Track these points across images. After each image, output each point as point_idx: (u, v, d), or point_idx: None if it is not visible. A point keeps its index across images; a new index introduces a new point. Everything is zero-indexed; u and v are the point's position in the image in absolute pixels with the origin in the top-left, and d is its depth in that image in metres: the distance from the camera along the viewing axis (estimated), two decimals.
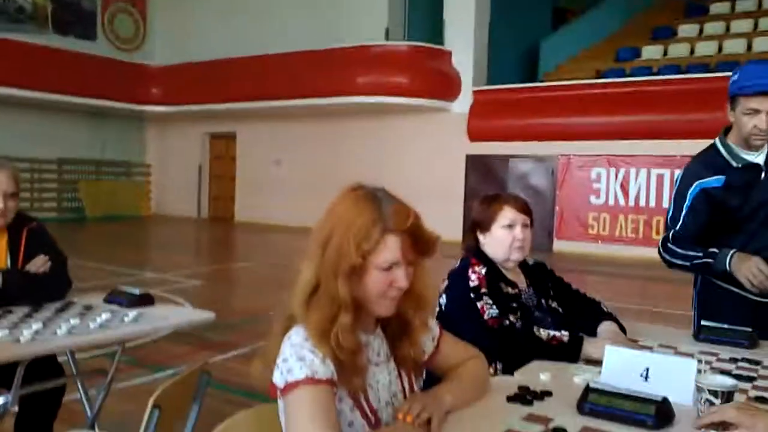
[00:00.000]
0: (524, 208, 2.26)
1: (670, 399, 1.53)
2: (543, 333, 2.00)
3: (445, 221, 12.60)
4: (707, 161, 2.50)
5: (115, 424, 3.11)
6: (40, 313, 2.36)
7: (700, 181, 2.46)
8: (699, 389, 1.48)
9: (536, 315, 2.20)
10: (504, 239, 2.19)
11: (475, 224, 2.26)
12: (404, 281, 1.29)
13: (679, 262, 2.48)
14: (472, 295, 2.09)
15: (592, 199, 11.80)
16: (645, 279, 9.47)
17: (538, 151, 12.20)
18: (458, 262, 2.24)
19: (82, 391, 2.61)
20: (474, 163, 12.96)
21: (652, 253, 10.83)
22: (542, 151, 12.16)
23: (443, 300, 2.19)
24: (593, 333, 2.19)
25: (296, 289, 1.31)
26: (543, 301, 2.29)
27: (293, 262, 1.33)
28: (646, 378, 1.67)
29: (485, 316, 2.03)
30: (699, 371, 1.61)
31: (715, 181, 2.44)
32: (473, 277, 2.13)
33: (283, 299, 1.33)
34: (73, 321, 2.24)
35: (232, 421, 1.47)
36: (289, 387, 1.19)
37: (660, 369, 1.66)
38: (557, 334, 2.00)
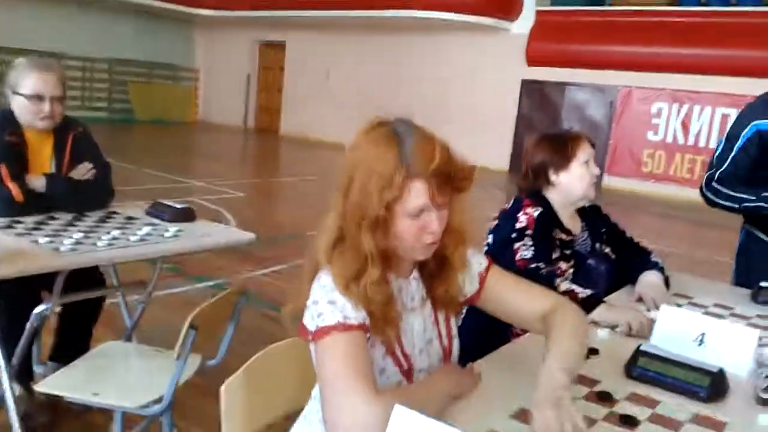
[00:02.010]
0: (593, 144, 2.19)
1: (725, 369, 1.44)
2: (563, 285, 1.91)
3: (494, 149, 12.45)
4: None
5: (153, 332, 3.18)
6: (82, 222, 2.36)
7: (758, 122, 2.35)
8: (760, 364, 1.37)
9: (589, 263, 2.11)
10: (584, 176, 2.10)
11: (545, 164, 2.10)
12: (437, 225, 1.18)
13: (726, 203, 2.38)
14: (514, 235, 2.01)
15: (650, 135, 11.31)
16: (696, 223, 9.16)
17: (598, 80, 11.65)
18: (510, 202, 2.13)
19: (123, 302, 2.65)
20: (529, 89, 12.49)
21: None
22: (602, 81, 11.61)
23: (490, 239, 2.10)
24: (635, 281, 2.11)
25: (320, 238, 1.22)
26: (597, 245, 2.20)
27: (335, 180, 1.22)
28: (701, 343, 1.57)
29: (516, 257, 1.95)
30: (760, 344, 1.51)
31: None
32: (523, 218, 2.04)
33: (310, 246, 1.25)
34: (114, 233, 2.24)
35: (269, 352, 1.43)
36: (321, 332, 1.14)
37: (717, 336, 1.56)
38: (576, 289, 1.90)
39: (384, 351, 1.23)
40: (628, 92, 11.47)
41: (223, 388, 1.30)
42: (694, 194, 11.81)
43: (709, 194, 2.42)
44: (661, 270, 2.14)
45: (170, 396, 1.90)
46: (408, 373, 1.27)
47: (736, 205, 2.35)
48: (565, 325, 1.28)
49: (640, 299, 2.03)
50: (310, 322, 1.16)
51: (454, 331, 1.39)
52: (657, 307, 1.95)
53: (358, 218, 1.15)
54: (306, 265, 1.25)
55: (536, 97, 12.44)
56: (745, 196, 2.32)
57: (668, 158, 11.17)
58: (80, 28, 14.70)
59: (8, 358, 2.08)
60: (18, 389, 2.33)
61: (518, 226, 2.02)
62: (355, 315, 1.15)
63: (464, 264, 1.32)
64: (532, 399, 1.13)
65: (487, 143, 12.66)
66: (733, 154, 2.38)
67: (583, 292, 1.88)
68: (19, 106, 2.38)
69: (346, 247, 1.18)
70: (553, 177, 2.10)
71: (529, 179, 2.13)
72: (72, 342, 2.53)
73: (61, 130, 2.51)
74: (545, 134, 2.17)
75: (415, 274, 1.31)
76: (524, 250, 1.97)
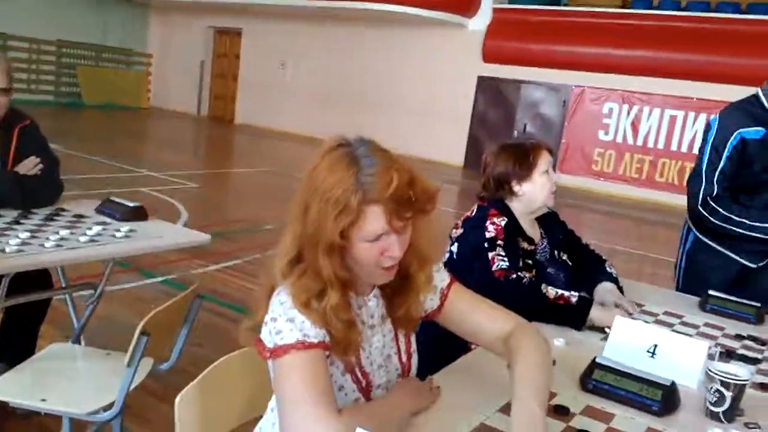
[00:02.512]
0: (551, 151, 2.21)
1: (676, 381, 1.48)
2: (551, 291, 1.94)
3: (449, 143, 12.54)
4: (749, 110, 2.44)
5: (103, 330, 3.10)
6: (28, 220, 2.27)
7: (741, 130, 2.40)
8: (710, 377, 1.41)
9: (549, 272, 2.14)
10: (545, 185, 2.11)
11: (508, 175, 2.10)
12: (398, 249, 1.16)
13: (723, 224, 2.44)
14: (486, 245, 2.01)
15: (601, 134, 11.58)
16: (643, 221, 9.45)
17: (553, 79, 11.84)
18: (474, 210, 2.14)
19: (70, 303, 2.56)
20: (485, 86, 12.61)
21: (654, 195, 10.82)
22: (557, 80, 11.81)
23: (454, 248, 2.11)
24: (591, 291, 2.15)
25: (278, 258, 1.20)
26: (556, 253, 2.23)
27: (293, 172, 1.18)
28: (653, 354, 1.62)
29: (493, 267, 1.96)
30: (710, 355, 1.55)
31: (755, 132, 2.40)
32: (491, 227, 2.03)
33: (267, 264, 1.22)
34: (63, 232, 2.16)
35: (224, 361, 1.41)
36: (279, 351, 1.11)
37: (669, 347, 1.60)
38: (566, 293, 1.94)
39: (343, 368, 1.22)
40: (581, 92, 11.70)
41: (177, 399, 1.27)
42: (641, 193, 12.17)
43: (705, 213, 2.46)
44: (616, 280, 2.19)
45: (121, 403, 1.85)
46: (366, 390, 1.26)
47: (732, 228, 2.41)
48: (530, 352, 1.27)
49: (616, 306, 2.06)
50: (268, 338, 1.14)
51: (414, 346, 1.38)
52: (632, 312, 2.02)
53: (315, 242, 1.13)
54: (263, 281, 1.22)
55: (492, 94, 12.57)
56: (740, 220, 2.39)
57: (618, 157, 11.46)
58: (27, 7, 14.10)
59: None
60: None
61: (488, 235, 2.02)
62: (315, 333, 1.13)
63: (428, 284, 1.30)
64: None
65: (442, 138, 12.75)
66: (721, 165, 2.42)
67: (574, 296, 1.92)
68: None
69: (304, 268, 1.16)
70: (516, 188, 2.11)
71: (491, 189, 2.14)
72: (16, 342, 2.44)
73: (7, 124, 2.40)
74: (505, 144, 2.17)
75: (376, 292, 1.29)
76: (499, 261, 1.97)
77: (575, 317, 1.90)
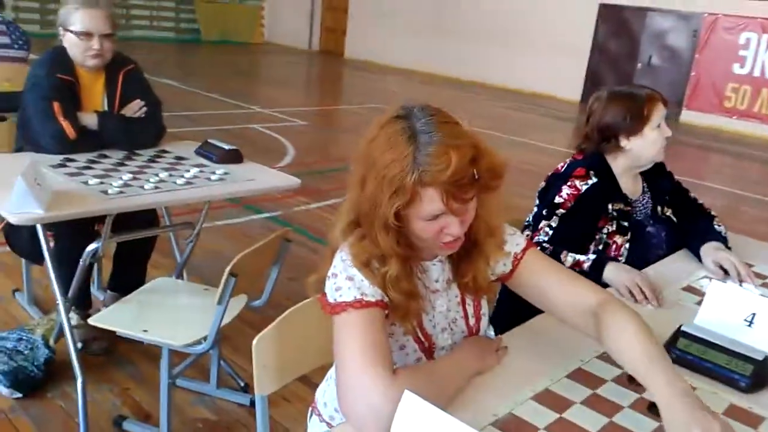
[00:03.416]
0: (666, 103, 1.99)
1: None
2: (569, 258, 1.81)
3: (566, 77, 11.92)
4: None
5: (208, 264, 3.29)
6: (132, 161, 2.41)
7: None
8: None
9: (648, 231, 2.00)
10: (657, 141, 1.94)
11: (617, 128, 1.92)
12: (458, 228, 1.11)
13: None
14: (544, 212, 1.90)
15: (735, 67, 10.54)
16: None
17: (681, 6, 10.84)
18: (565, 165, 2.01)
19: (173, 241, 2.72)
20: (607, 15, 11.76)
21: None
22: (687, 7, 10.80)
23: (537, 201, 2.02)
24: (696, 252, 1.99)
25: (338, 222, 1.18)
26: (659, 209, 2.07)
27: (352, 168, 1.17)
28: (750, 324, 1.48)
29: (534, 239, 1.86)
30: None
31: None
32: (565, 192, 1.90)
33: (330, 227, 1.21)
34: (162, 174, 2.27)
35: (297, 310, 1.44)
36: (338, 308, 1.12)
37: None
38: (581, 258, 1.81)
39: (404, 330, 1.21)
40: (714, 20, 10.62)
41: (255, 341, 1.32)
42: None
43: None
44: (725, 240, 2.01)
45: (213, 338, 1.96)
46: (429, 350, 1.25)
47: None
48: (638, 326, 1.15)
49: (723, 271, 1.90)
50: (329, 293, 1.15)
51: (484, 309, 1.34)
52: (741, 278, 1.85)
53: (372, 217, 1.10)
54: (330, 237, 1.22)
55: (614, 23, 11.72)
56: None
57: (753, 94, 10.41)
58: None
59: (65, 291, 2.18)
60: (76, 318, 2.46)
61: (557, 200, 1.90)
62: (373, 292, 1.12)
63: (497, 250, 1.24)
64: (671, 422, 1.00)
65: (558, 71, 12.14)
66: None
67: (587, 260, 1.80)
68: (70, 44, 2.40)
69: (362, 233, 1.14)
70: (623, 142, 1.94)
71: (594, 141, 1.97)
72: (128, 273, 2.64)
73: (112, 68, 2.53)
74: (616, 92, 1.97)
75: (441, 256, 1.26)
76: (542, 233, 1.88)
77: (592, 279, 1.77)
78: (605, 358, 1.31)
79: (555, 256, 1.81)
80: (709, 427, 0.95)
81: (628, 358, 1.13)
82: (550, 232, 1.89)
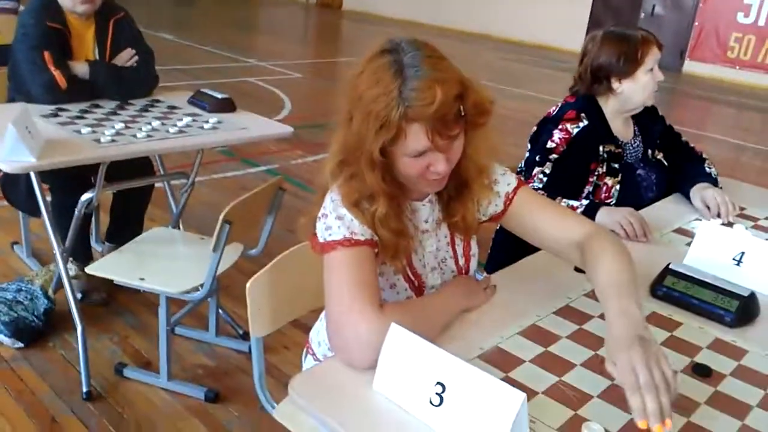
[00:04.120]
0: (661, 46, 1.97)
1: (761, 292, 1.37)
2: (563, 204, 1.81)
3: (568, 26, 11.72)
4: None
5: (205, 216, 3.30)
6: (124, 111, 2.39)
7: None
8: None
9: (638, 174, 1.99)
10: (648, 84, 1.93)
11: (609, 69, 1.91)
12: (443, 165, 1.10)
13: None
14: (537, 158, 1.89)
15: (740, 17, 10.35)
16: None
17: None
18: (556, 108, 2.00)
19: (168, 190, 2.72)
20: None
21: None
22: None
23: (529, 146, 2.01)
24: (687, 194, 2.00)
25: (327, 163, 1.18)
26: (650, 152, 2.07)
27: (339, 105, 1.16)
28: (739, 263, 1.50)
29: (529, 185, 1.85)
30: None
31: None
32: (557, 136, 1.90)
33: (320, 168, 1.20)
34: (155, 123, 2.26)
35: (294, 251, 1.45)
36: (328, 246, 1.13)
37: (758, 255, 1.48)
38: (574, 204, 1.81)
39: (394, 269, 1.23)
40: None
41: (248, 284, 1.33)
42: None
43: None
44: (715, 182, 2.02)
45: (209, 284, 1.99)
46: (419, 289, 1.27)
47: None
48: (611, 255, 1.17)
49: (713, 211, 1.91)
50: (319, 233, 1.16)
51: (474, 249, 1.35)
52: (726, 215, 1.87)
53: (358, 153, 1.10)
54: (319, 179, 1.22)
55: None
56: None
57: (758, 43, 10.25)
58: None
59: (63, 242, 2.20)
60: (74, 269, 2.49)
61: (549, 145, 1.89)
62: (362, 231, 1.13)
63: (486, 190, 1.25)
64: (607, 341, 1.03)
65: (559, 20, 11.93)
66: None
67: (580, 206, 1.80)
68: None
69: (351, 172, 1.14)
70: (615, 85, 1.93)
71: (586, 81, 1.96)
72: (124, 225, 2.65)
73: (101, 16, 2.49)
74: (611, 32, 1.95)
75: (432, 197, 1.26)
76: (536, 180, 1.87)
77: None
78: (593, 295, 1.32)
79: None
80: (632, 354, 0.95)
81: (597, 283, 1.15)
82: (545, 179, 1.88)
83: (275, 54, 9.03)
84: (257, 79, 7.22)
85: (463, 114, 1.08)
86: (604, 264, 1.16)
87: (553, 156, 1.89)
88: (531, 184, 1.87)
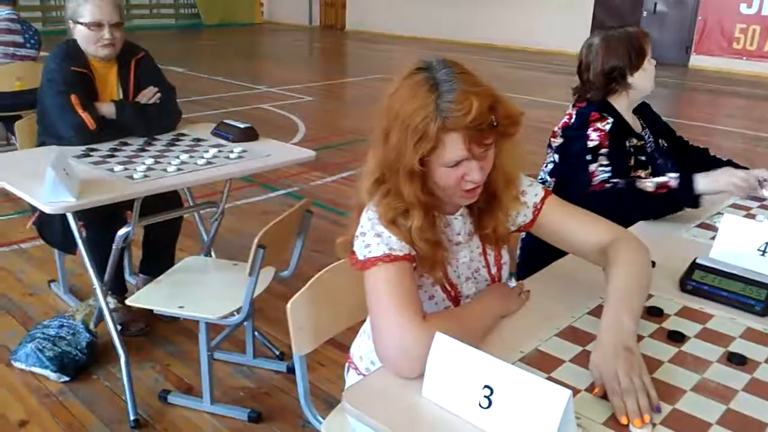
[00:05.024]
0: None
1: None
2: (649, 184, 1.83)
3: (570, 31, 11.78)
4: None
5: (233, 242, 3.39)
6: (152, 146, 2.48)
7: None
8: None
9: (659, 163, 2.05)
10: (652, 71, 2.05)
11: (622, 67, 1.99)
12: (478, 174, 1.17)
13: None
14: (588, 156, 1.92)
15: (743, 7, 10.35)
16: None
17: None
18: (573, 116, 2.05)
19: (198, 220, 2.79)
20: None
21: None
22: None
23: (556, 158, 2.06)
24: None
25: (362, 180, 1.24)
26: (660, 141, 2.15)
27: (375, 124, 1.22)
28: (764, 253, 1.53)
29: (594, 181, 1.89)
30: None
31: None
32: (594, 135, 1.94)
33: (356, 186, 1.27)
34: (183, 157, 2.34)
35: (331, 269, 1.50)
36: (368, 263, 1.18)
37: None
38: (662, 179, 1.82)
39: (432, 281, 1.28)
40: None
41: (289, 304, 1.39)
42: None
43: None
44: (730, 162, 2.08)
45: (247, 308, 2.05)
46: (455, 299, 1.32)
47: None
48: (627, 263, 1.24)
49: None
50: (358, 251, 1.22)
51: (504, 258, 1.41)
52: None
53: (396, 167, 1.16)
54: (354, 199, 1.28)
55: None
56: None
57: (763, 33, 10.25)
58: None
59: (101, 277, 2.27)
60: (113, 302, 2.56)
61: (591, 144, 1.92)
62: (400, 246, 1.18)
63: (516, 202, 1.31)
64: (596, 346, 1.11)
65: (561, 25, 12.00)
66: None
67: (673, 179, 1.81)
68: (81, 36, 2.46)
69: (387, 188, 1.20)
70: (630, 79, 2.01)
71: (599, 86, 2.02)
72: (157, 256, 2.72)
73: (123, 57, 2.58)
74: (610, 35, 2.03)
75: (463, 210, 1.32)
76: (601, 173, 1.89)
77: (684, 196, 1.80)
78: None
79: (630, 185, 1.83)
80: (617, 364, 1.04)
81: (606, 288, 1.23)
82: (609, 167, 1.89)
83: (284, 79, 9.17)
84: (269, 105, 7.34)
85: (495, 124, 1.14)
86: (614, 271, 1.24)
87: (603, 150, 1.92)
88: (596, 178, 1.88)
